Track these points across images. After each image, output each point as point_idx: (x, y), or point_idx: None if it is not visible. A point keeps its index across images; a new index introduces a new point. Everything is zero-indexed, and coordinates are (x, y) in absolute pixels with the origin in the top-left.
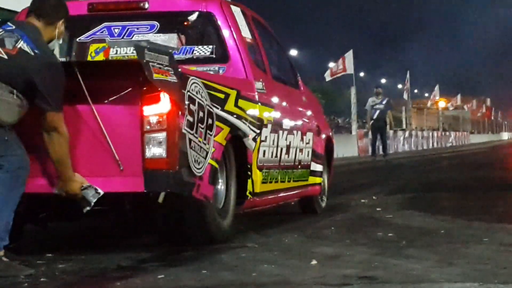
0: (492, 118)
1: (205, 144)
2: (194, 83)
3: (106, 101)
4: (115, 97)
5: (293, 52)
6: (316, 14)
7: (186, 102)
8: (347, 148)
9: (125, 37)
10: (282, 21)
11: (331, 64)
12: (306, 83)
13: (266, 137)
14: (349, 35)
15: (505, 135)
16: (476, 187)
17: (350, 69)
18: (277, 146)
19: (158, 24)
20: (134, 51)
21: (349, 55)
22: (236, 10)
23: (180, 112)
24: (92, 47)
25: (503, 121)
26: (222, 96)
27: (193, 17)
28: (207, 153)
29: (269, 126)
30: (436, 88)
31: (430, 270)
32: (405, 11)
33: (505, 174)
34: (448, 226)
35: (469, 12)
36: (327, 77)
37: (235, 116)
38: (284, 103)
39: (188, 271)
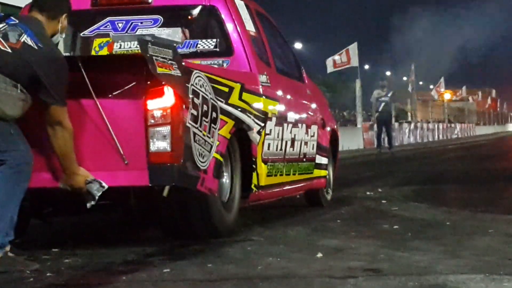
0: (498, 109)
1: (209, 137)
2: (198, 76)
3: (110, 95)
4: (119, 91)
5: (298, 45)
6: (320, 6)
7: (190, 96)
8: (353, 140)
9: (129, 32)
10: (286, 13)
11: (336, 57)
12: (311, 76)
13: (270, 130)
14: (354, 28)
15: (511, 127)
16: (482, 179)
17: (354, 62)
18: (282, 139)
19: (162, 18)
20: (138, 46)
21: (353, 48)
22: (239, 3)
23: (184, 106)
24: (96, 42)
25: (509, 113)
26: (226, 89)
27: (196, 11)
28: (211, 146)
29: (274, 119)
30: (441, 80)
31: (436, 262)
32: (409, 2)
33: (511, 166)
34: (453, 218)
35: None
36: (329, 67)
37: (239, 109)
38: (288, 96)
39: (193, 264)
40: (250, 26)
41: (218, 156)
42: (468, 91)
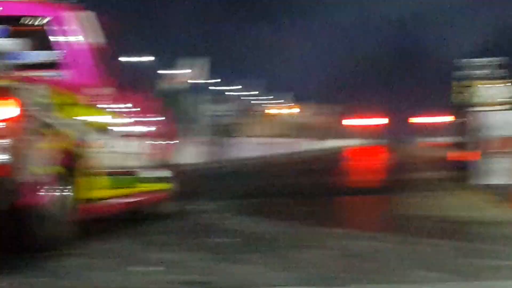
0: (338, 124)
1: (46, 150)
2: (34, 89)
3: None
4: None
5: (146, 58)
6: (167, 18)
7: (26, 108)
8: (193, 154)
9: None
10: (134, 25)
11: (181, 72)
12: (153, 89)
13: (106, 143)
14: (202, 42)
15: (348, 141)
16: (309, 192)
17: (200, 77)
18: (117, 153)
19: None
20: None
21: (200, 63)
22: (78, 16)
23: (20, 119)
24: None
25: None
26: (62, 102)
27: (34, 22)
28: (48, 159)
29: (110, 132)
30: (289, 95)
31: (265, 274)
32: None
33: (335, 180)
34: (281, 231)
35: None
36: (170, 82)
37: (75, 122)
38: (126, 109)
39: (21, 278)
40: (89, 39)
41: (53, 169)
42: (314, 106)
